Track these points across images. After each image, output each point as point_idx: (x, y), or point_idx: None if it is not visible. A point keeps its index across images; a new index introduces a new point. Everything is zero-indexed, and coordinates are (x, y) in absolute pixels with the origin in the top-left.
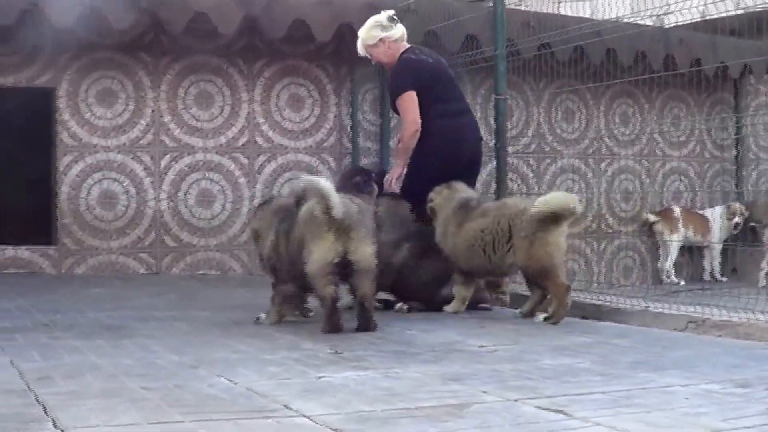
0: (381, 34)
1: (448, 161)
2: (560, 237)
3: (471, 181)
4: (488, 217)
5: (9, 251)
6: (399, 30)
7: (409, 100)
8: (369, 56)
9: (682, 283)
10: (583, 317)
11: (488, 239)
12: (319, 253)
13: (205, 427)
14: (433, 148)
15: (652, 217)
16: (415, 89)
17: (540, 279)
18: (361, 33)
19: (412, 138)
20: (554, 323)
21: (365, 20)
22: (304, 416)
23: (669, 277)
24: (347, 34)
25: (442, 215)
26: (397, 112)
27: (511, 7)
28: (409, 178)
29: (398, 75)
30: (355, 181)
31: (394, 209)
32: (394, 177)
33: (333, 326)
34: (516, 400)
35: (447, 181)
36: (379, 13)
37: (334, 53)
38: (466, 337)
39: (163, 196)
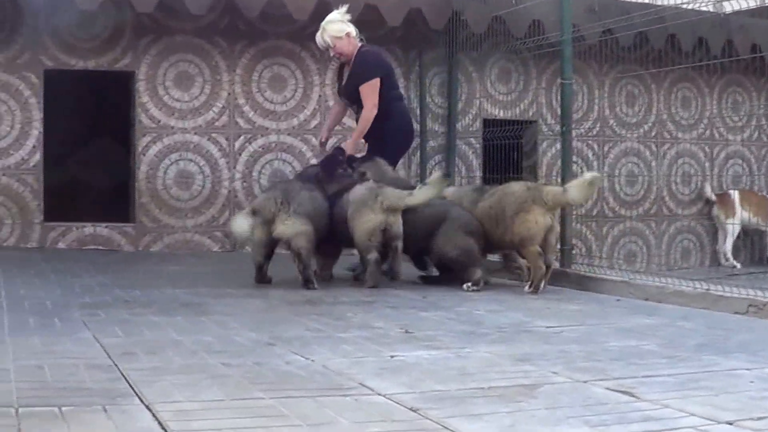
0: (347, 28)
1: (407, 138)
2: (539, 216)
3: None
4: (494, 198)
5: (89, 229)
6: (353, 27)
7: (375, 87)
8: (330, 47)
9: (738, 266)
10: (646, 299)
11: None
12: None
13: (285, 404)
14: (397, 126)
15: (711, 196)
16: (379, 77)
17: (520, 249)
18: (330, 26)
19: (371, 121)
20: (534, 291)
21: (435, 5)
22: (380, 394)
23: (727, 260)
24: (416, 18)
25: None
26: (353, 96)
27: None
28: (378, 153)
29: (367, 63)
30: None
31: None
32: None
33: None
34: (585, 382)
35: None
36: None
37: (403, 37)
38: (533, 318)
39: (237, 176)
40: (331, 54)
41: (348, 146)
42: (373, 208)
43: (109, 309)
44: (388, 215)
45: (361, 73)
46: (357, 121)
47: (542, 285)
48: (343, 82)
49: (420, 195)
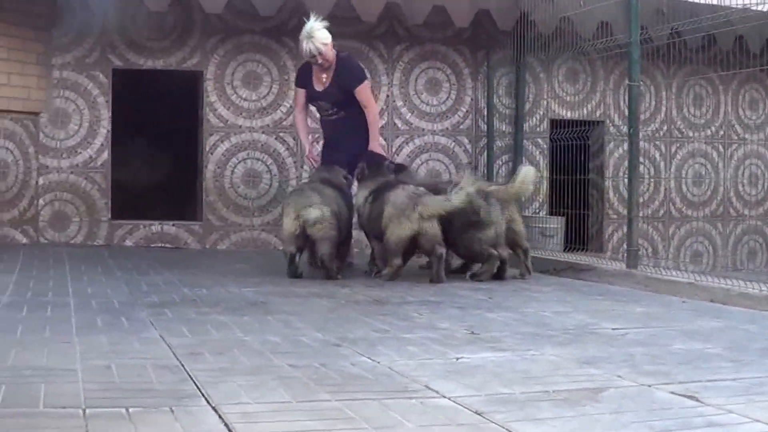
0: (330, 35)
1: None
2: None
3: None
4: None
5: (156, 227)
6: None
7: (370, 88)
8: (318, 54)
9: None
10: (711, 301)
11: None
12: None
13: (351, 407)
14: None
15: None
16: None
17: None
18: (318, 33)
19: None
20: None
21: (503, 6)
22: (445, 397)
23: None
24: (484, 19)
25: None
26: (337, 99)
27: None
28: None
29: (356, 68)
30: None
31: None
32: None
33: None
34: (650, 386)
35: None
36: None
37: (471, 38)
38: (599, 320)
39: (305, 175)
40: (318, 61)
41: (376, 149)
42: (410, 217)
43: (175, 308)
44: (423, 222)
45: (352, 76)
46: (327, 123)
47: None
48: (324, 87)
49: (457, 198)
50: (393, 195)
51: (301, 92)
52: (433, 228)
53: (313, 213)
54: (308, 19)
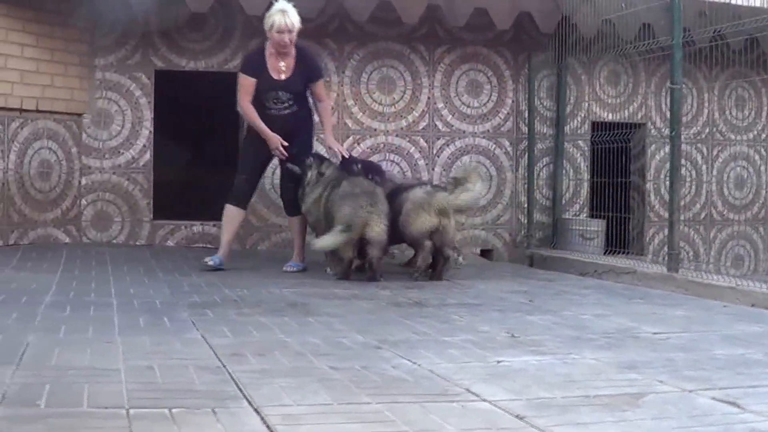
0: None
1: None
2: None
3: None
4: None
5: (197, 227)
6: None
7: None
8: (289, 32)
9: None
10: (752, 305)
11: None
12: None
13: (392, 410)
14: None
15: None
16: None
17: None
18: (293, 11)
19: None
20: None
21: (545, 8)
22: (485, 401)
23: None
24: (526, 22)
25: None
26: (297, 89)
27: None
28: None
29: (317, 60)
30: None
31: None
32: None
33: None
34: (691, 391)
35: None
36: None
37: (513, 40)
38: (640, 324)
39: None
40: (286, 39)
41: (333, 142)
42: (429, 211)
43: (216, 308)
44: (441, 218)
45: (316, 68)
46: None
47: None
48: (287, 76)
49: (465, 196)
50: (412, 194)
51: (251, 81)
52: (450, 226)
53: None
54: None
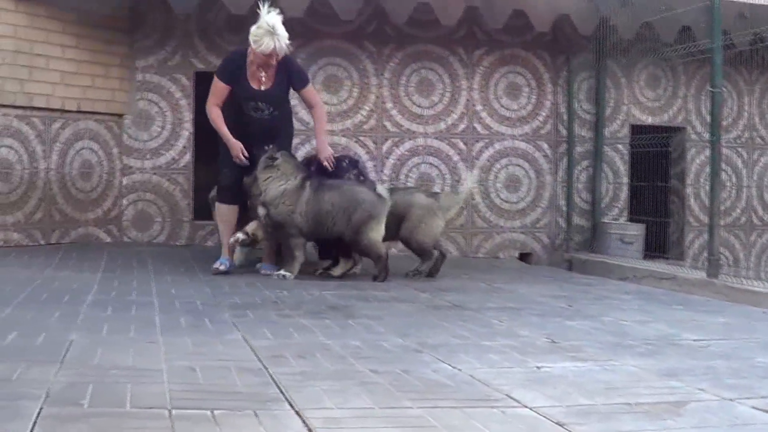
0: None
1: None
2: None
3: None
4: None
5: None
6: None
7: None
8: (280, 51)
9: None
10: None
11: None
12: None
13: (433, 414)
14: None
15: None
16: None
17: None
18: (282, 30)
19: None
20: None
21: (584, 11)
22: (526, 407)
23: None
24: (564, 24)
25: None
26: (278, 99)
27: None
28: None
29: (301, 68)
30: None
31: None
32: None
33: None
34: (732, 400)
35: None
36: None
37: (552, 42)
38: (680, 330)
39: (384, 179)
40: (273, 62)
41: (323, 149)
42: (438, 215)
43: (257, 310)
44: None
45: (300, 77)
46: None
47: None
48: (267, 87)
49: (461, 198)
50: (417, 198)
51: (225, 87)
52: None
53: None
54: (385, 22)
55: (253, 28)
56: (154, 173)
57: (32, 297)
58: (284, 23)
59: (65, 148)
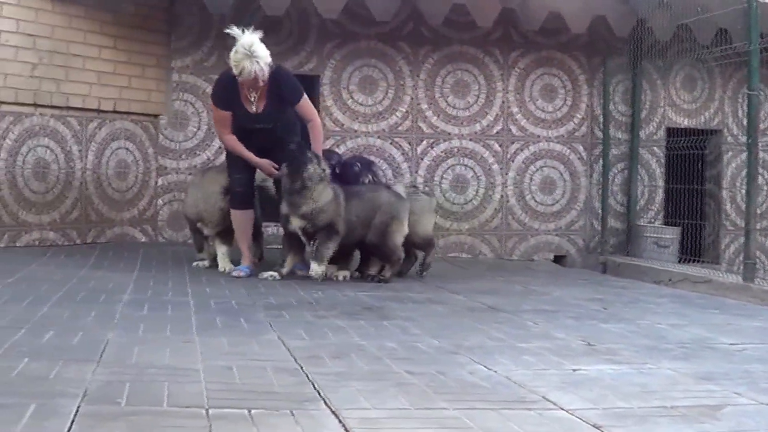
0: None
1: None
2: None
3: None
4: None
5: (271, 228)
6: None
7: (308, 99)
8: (263, 75)
9: None
10: None
11: None
12: None
13: (469, 416)
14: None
15: None
16: None
17: None
18: (261, 50)
19: None
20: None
21: (620, 12)
22: (563, 409)
23: None
24: (600, 26)
25: None
26: (274, 116)
27: (765, 1)
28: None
29: (293, 80)
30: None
31: None
32: None
33: None
34: None
35: None
36: None
37: (587, 44)
38: (716, 334)
39: (419, 180)
40: (261, 83)
41: None
42: (434, 215)
43: (292, 310)
44: None
45: (293, 91)
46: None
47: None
48: (261, 109)
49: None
50: (418, 202)
51: (226, 115)
52: None
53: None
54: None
55: (231, 54)
56: (190, 173)
57: (68, 296)
58: (321, 25)
59: (101, 148)
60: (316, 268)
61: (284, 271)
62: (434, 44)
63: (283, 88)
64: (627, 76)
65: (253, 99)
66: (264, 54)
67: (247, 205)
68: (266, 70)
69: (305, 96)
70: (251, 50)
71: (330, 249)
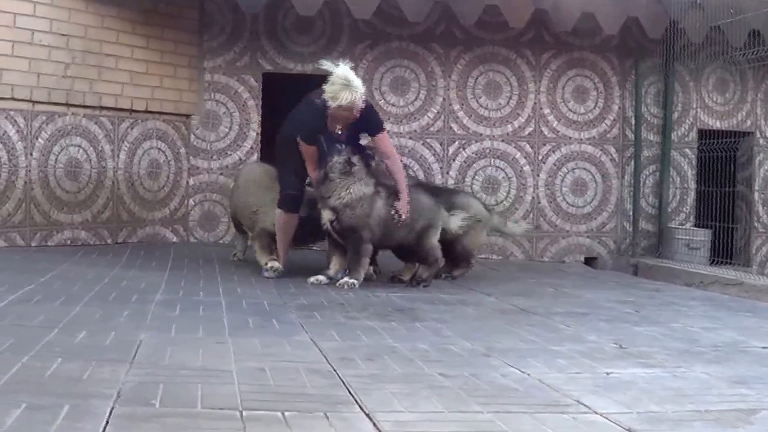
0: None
1: None
2: None
3: None
4: None
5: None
6: None
7: (387, 135)
8: (359, 105)
9: None
10: None
11: None
12: None
13: (503, 419)
14: None
15: None
16: None
17: None
18: (358, 82)
19: None
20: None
21: (653, 14)
22: (597, 413)
23: None
24: (633, 27)
25: None
26: (353, 138)
27: None
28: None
29: (376, 115)
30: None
31: None
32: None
33: None
34: None
35: None
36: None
37: (619, 46)
38: (748, 338)
39: (450, 181)
40: (356, 114)
41: (405, 204)
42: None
43: (324, 311)
44: None
45: (373, 124)
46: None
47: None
48: (342, 133)
49: None
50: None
51: (315, 150)
52: None
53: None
54: (454, 25)
55: (326, 86)
56: (221, 173)
57: (100, 296)
58: (353, 26)
59: (133, 147)
60: (347, 280)
61: (331, 273)
62: (466, 45)
63: (368, 119)
64: (659, 78)
65: (339, 131)
66: (360, 84)
67: (294, 209)
68: (359, 103)
69: (385, 131)
70: (348, 80)
71: (360, 263)
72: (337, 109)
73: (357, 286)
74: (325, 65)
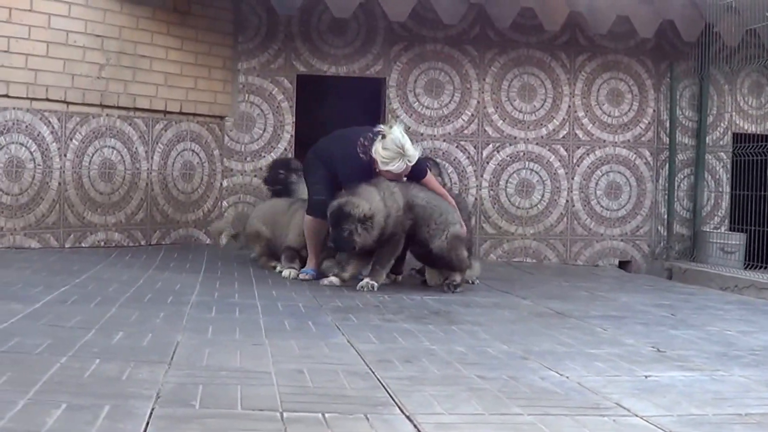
0: None
1: None
2: None
3: None
4: None
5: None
6: None
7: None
8: (407, 172)
9: None
10: None
11: None
12: None
13: (543, 422)
14: None
15: None
16: None
17: None
18: (413, 151)
19: None
20: None
21: (688, 17)
22: (637, 416)
23: None
24: (668, 30)
25: None
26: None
27: None
28: None
29: (422, 163)
30: None
31: None
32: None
33: None
34: None
35: None
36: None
37: (655, 49)
38: None
39: (484, 184)
40: (402, 180)
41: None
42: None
43: (359, 313)
44: None
45: (419, 172)
46: None
47: None
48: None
49: None
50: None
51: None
52: None
53: None
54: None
55: (379, 148)
56: (255, 175)
57: (136, 297)
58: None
59: (167, 149)
60: (368, 281)
61: (346, 275)
62: (501, 48)
63: (415, 170)
64: (694, 81)
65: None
66: (415, 154)
67: (323, 215)
68: (410, 168)
69: (430, 174)
70: (404, 150)
71: (385, 267)
72: (386, 172)
73: (376, 288)
74: (381, 127)
